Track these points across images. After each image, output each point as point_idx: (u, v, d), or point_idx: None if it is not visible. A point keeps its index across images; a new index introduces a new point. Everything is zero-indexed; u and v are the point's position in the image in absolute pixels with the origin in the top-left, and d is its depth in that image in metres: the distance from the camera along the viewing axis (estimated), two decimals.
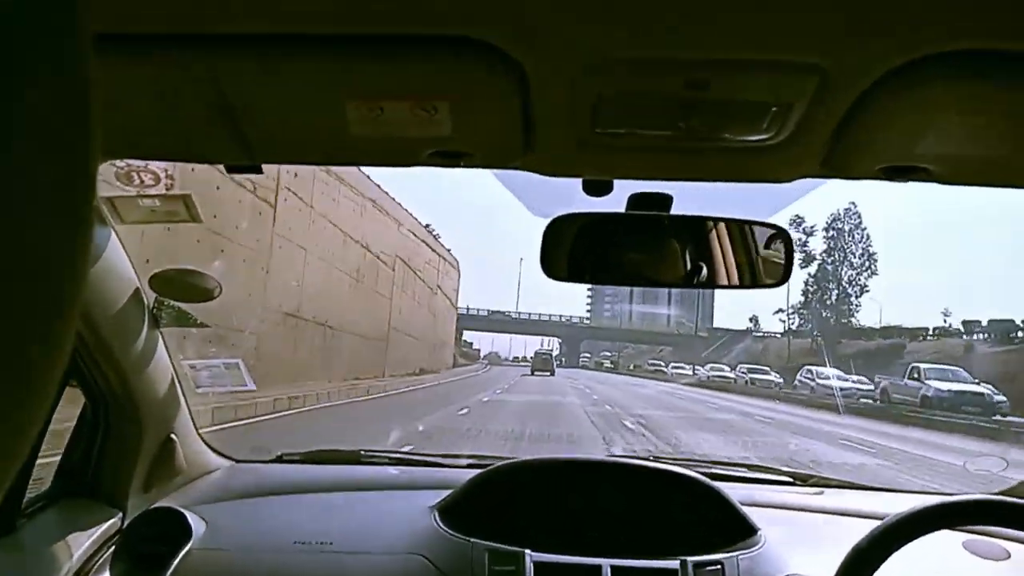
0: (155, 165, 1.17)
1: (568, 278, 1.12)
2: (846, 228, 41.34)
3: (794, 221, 41.32)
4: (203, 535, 1.36)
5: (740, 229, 1.10)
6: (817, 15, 0.62)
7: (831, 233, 41.60)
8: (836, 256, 41.39)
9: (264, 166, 0.97)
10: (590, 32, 0.66)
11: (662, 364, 41.92)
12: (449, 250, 30.56)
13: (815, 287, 41.80)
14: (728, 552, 1.30)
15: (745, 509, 1.41)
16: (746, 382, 28.53)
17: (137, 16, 0.65)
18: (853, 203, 42.31)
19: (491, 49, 0.68)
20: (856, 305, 40.99)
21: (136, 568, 1.30)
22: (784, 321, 43.50)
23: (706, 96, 0.75)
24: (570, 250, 1.10)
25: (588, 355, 60.84)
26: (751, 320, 49.44)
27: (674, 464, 1.52)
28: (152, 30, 0.67)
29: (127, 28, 0.66)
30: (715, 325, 55.12)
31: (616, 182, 1.03)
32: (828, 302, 41.02)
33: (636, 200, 1.06)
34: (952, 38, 0.64)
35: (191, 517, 1.38)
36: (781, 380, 27.90)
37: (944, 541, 1.38)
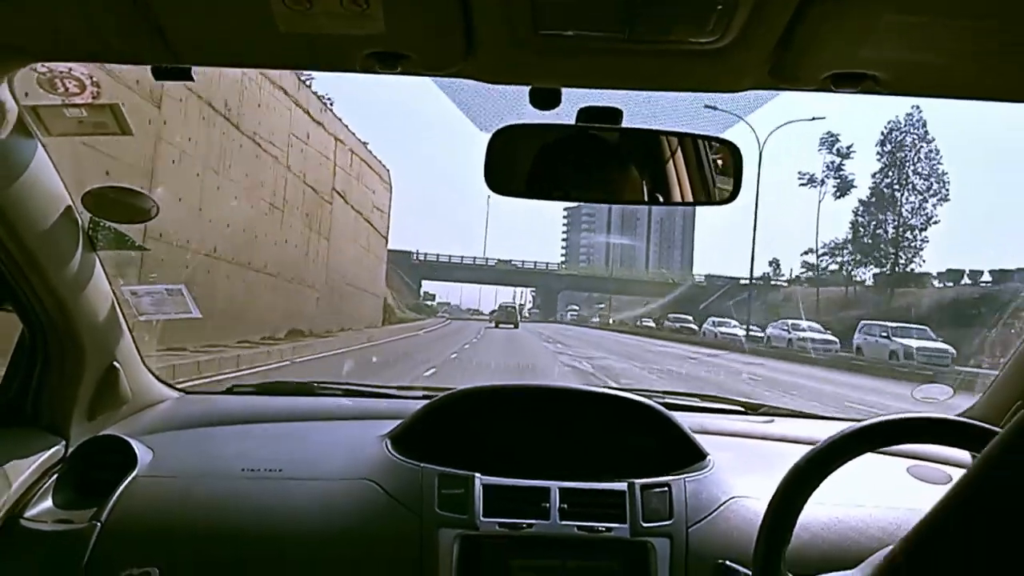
0: (79, 71, 1.27)
1: (513, 192, 1.23)
2: (907, 140, 36.40)
3: (825, 140, 37.58)
4: (149, 463, 1.53)
5: (690, 143, 1.22)
6: None
7: (887, 147, 36.80)
8: (894, 177, 36.62)
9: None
10: None
11: (690, 320, 36.22)
12: (366, 143, 22.60)
13: (866, 217, 37.04)
14: (676, 475, 1.48)
15: (695, 436, 1.60)
16: (894, 355, 18.75)
17: None
18: (916, 107, 36.37)
19: None
20: (922, 240, 35.78)
21: (79, 495, 1.48)
22: (815, 264, 38.95)
23: None
24: (516, 163, 1.20)
25: (576, 308, 58.75)
26: (771, 264, 45.58)
27: (628, 393, 1.70)
28: None
29: None
30: (697, 271, 53.08)
31: (565, 98, 1.14)
32: (883, 238, 36.44)
33: (586, 114, 1.17)
34: None
35: (137, 445, 1.55)
36: (954, 351, 18.97)
37: (889, 466, 1.58)
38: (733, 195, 1.22)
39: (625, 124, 1.18)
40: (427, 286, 53.71)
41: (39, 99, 1.26)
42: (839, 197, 39.09)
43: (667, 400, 1.85)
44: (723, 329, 29.06)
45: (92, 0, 0.91)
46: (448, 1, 0.87)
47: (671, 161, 1.23)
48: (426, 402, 1.67)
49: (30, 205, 1.35)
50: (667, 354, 21.00)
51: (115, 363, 1.67)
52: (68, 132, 1.30)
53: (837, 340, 23.41)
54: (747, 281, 42.79)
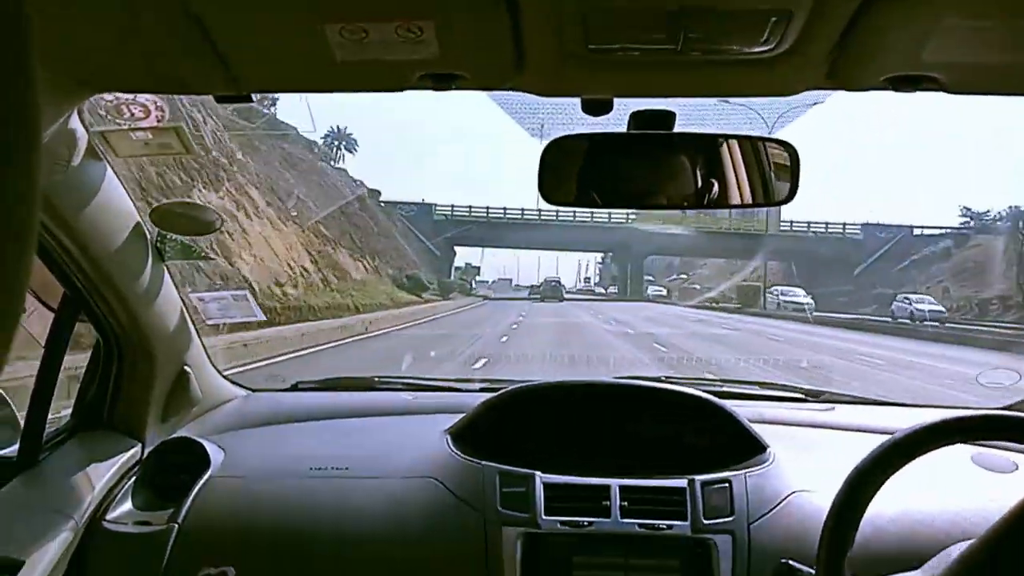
0: (144, 98, 1.32)
1: (567, 202, 1.25)
2: None
3: None
4: (221, 463, 1.60)
5: (747, 145, 1.21)
6: None
7: None
8: None
9: None
10: None
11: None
12: None
13: None
14: (736, 470, 1.48)
15: (754, 427, 1.59)
16: None
17: None
18: None
19: None
20: None
21: (157, 496, 1.54)
22: None
23: (700, 4, 0.84)
24: (569, 172, 1.21)
25: (683, 276, 41.32)
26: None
27: (685, 384, 1.70)
28: None
29: None
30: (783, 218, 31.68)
31: (616, 101, 1.15)
32: None
33: (638, 119, 1.16)
34: None
35: (209, 446, 1.61)
36: None
37: (952, 455, 1.54)
38: (791, 196, 1.21)
39: (679, 126, 1.17)
40: (465, 256, 39.86)
41: (107, 125, 1.31)
42: None
43: (725, 389, 1.85)
44: None
45: (158, 35, 0.93)
46: (500, 21, 0.87)
47: (727, 163, 1.22)
48: (485, 397, 1.70)
49: (101, 224, 1.40)
50: None
51: (186, 367, 1.74)
52: (135, 153, 1.35)
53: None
54: (920, 231, 29.89)
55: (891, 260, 28.84)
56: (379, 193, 32.54)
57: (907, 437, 1.09)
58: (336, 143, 39.47)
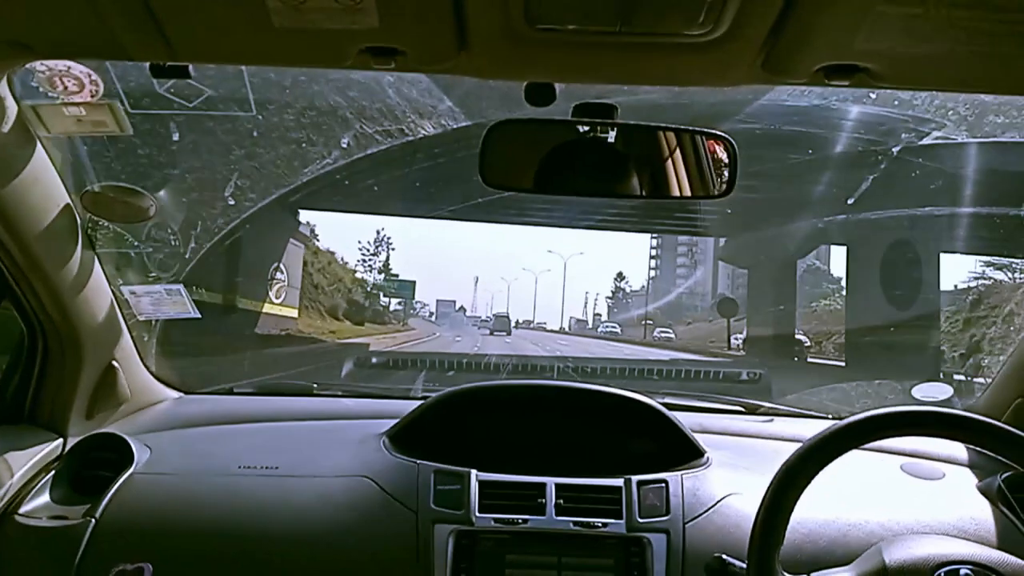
0: (78, 70, 1.29)
1: (508, 186, 1.25)
2: None
3: None
4: (146, 461, 1.53)
5: (687, 138, 1.23)
6: None
7: None
8: None
9: None
10: None
11: None
12: None
13: None
14: (673, 472, 1.48)
15: (694, 434, 1.59)
16: None
17: None
18: None
19: None
20: None
21: (76, 492, 1.47)
22: None
23: None
24: (512, 156, 1.21)
25: None
26: None
27: (628, 392, 1.71)
28: None
29: None
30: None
31: (560, 96, 1.16)
32: None
33: (580, 110, 1.17)
34: None
35: (134, 443, 1.54)
36: None
37: (884, 464, 1.59)
38: (729, 188, 1.24)
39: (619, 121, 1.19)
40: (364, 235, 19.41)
41: (38, 99, 1.27)
42: None
43: (667, 400, 1.86)
44: None
45: (95, 2, 0.90)
46: None
47: (668, 156, 1.24)
48: (424, 401, 1.67)
49: (29, 203, 1.34)
50: None
51: (114, 362, 1.67)
52: (67, 130, 1.30)
53: None
54: None
55: None
56: None
57: (830, 434, 1.12)
58: None
